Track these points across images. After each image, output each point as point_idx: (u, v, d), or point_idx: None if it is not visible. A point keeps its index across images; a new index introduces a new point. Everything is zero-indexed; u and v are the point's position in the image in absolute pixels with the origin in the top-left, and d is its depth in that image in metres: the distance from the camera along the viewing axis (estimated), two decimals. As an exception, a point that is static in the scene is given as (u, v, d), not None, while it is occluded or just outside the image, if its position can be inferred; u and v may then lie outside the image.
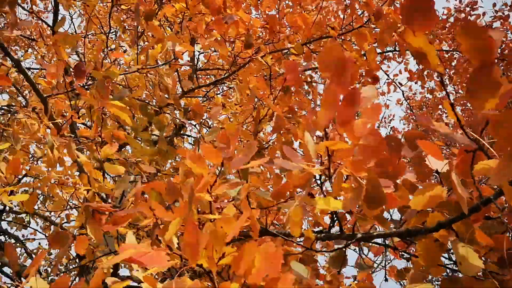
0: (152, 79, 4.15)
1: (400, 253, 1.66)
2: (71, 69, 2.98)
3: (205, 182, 1.30)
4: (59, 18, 3.56)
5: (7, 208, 3.24)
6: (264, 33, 3.88)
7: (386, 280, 1.96)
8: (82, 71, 2.03)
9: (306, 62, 3.71)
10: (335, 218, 1.70)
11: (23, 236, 5.32)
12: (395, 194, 1.46)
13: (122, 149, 3.73)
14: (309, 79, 5.99)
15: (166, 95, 3.58)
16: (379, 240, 1.91)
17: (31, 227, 3.77)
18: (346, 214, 1.81)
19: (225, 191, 1.33)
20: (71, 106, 2.42)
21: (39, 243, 5.44)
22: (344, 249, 1.84)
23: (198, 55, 5.83)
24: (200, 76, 6.52)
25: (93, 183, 2.19)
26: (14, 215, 3.74)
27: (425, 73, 6.20)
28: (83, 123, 3.82)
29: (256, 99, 2.50)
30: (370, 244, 2.00)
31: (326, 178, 1.40)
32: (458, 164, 1.16)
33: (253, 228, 1.17)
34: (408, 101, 6.80)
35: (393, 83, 6.14)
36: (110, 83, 2.42)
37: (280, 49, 3.63)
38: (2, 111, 3.73)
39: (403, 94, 6.58)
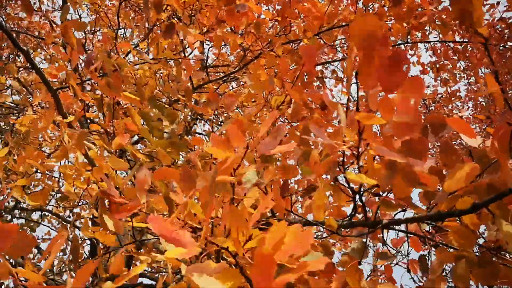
0: (162, 76, 4.11)
1: (427, 241, 1.58)
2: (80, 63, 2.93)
3: (229, 164, 1.23)
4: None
5: (20, 205, 3.21)
6: (274, 26, 3.82)
7: (408, 271, 1.88)
8: (92, 61, 1.98)
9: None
10: (358, 205, 1.62)
11: (37, 237, 5.30)
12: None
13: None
14: (319, 75, 5.92)
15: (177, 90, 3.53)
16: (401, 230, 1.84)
17: (45, 225, 3.74)
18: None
19: (249, 175, 1.26)
20: (80, 100, 2.37)
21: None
22: (367, 238, 1.77)
23: (208, 51, 5.78)
24: (211, 73, 6.47)
25: (104, 177, 2.14)
26: (25, 213, 3.71)
27: (437, 65, 6.09)
28: (89, 119, 3.76)
29: (264, 93, 2.43)
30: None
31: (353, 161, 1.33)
32: (495, 140, 1.08)
33: (278, 209, 1.10)
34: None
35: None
36: (121, 76, 2.36)
37: (292, 40, 3.56)
38: (12, 109, 3.71)
39: (425, 121, 6.45)
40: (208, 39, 2.68)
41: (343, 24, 3.48)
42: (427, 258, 1.74)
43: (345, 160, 1.38)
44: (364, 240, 1.81)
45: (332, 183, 1.50)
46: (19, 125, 2.85)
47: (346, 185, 1.56)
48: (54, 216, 3.60)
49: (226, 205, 1.02)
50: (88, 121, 3.24)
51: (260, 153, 1.14)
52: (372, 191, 1.45)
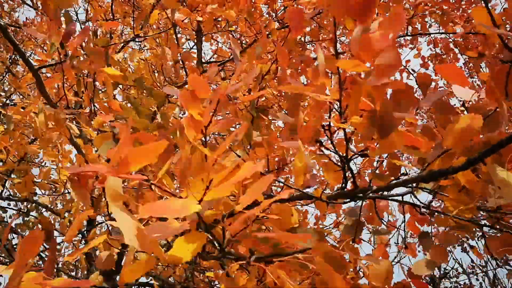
0: (155, 68, 4.02)
1: (422, 209, 1.46)
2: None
3: (197, 121, 1.13)
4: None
5: (4, 194, 3.12)
6: (268, 10, 3.73)
7: (405, 247, 1.76)
8: (71, 33, 1.88)
9: (311, 38, 3.53)
10: (347, 176, 1.52)
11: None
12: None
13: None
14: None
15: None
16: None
17: (33, 215, 3.65)
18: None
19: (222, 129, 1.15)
20: (63, 78, 2.27)
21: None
22: (360, 211, 1.65)
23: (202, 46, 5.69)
24: (207, 69, 6.38)
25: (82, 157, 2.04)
26: (13, 203, 3.63)
27: (438, 60, 5.97)
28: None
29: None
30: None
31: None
32: (491, 80, 0.98)
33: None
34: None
35: (406, 70, 5.92)
36: (106, 55, 2.27)
37: (287, 25, 3.47)
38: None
39: (416, 82, 6.35)
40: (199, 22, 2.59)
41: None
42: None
43: (331, 116, 1.27)
44: (357, 214, 1.70)
45: (317, 147, 1.39)
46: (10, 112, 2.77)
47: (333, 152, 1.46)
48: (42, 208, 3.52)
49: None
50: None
51: (227, 93, 1.04)
52: (360, 153, 1.34)
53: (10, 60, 3.56)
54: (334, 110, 1.25)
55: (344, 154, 1.34)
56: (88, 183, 1.66)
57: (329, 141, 1.35)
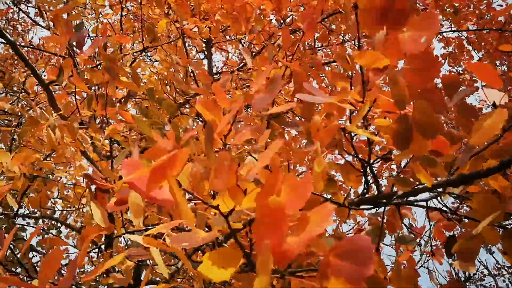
0: (168, 81, 4.00)
1: (449, 215, 1.40)
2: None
3: (220, 129, 1.09)
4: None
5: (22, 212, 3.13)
6: (276, 18, 3.70)
7: (433, 254, 1.70)
8: (84, 41, 1.85)
9: (321, 43, 3.48)
10: (369, 181, 1.46)
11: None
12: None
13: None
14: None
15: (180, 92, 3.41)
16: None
17: (52, 233, 3.64)
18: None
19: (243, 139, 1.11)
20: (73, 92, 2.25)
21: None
22: (383, 218, 1.59)
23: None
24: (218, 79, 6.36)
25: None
26: (32, 221, 3.61)
27: (451, 59, 5.87)
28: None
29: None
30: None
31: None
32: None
33: (274, 168, 0.94)
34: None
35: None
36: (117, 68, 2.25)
37: (295, 30, 3.43)
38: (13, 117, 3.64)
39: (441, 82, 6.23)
40: (207, 25, 2.57)
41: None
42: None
43: (350, 123, 1.22)
44: (379, 221, 1.64)
45: (336, 152, 1.34)
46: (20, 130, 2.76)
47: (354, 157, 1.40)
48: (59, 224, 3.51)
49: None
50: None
51: (255, 110, 0.99)
52: (383, 157, 1.29)
53: (24, 81, 3.58)
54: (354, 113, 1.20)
55: (366, 157, 1.28)
56: (104, 199, 1.63)
57: (349, 145, 1.30)
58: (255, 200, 0.79)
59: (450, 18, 5.07)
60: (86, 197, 2.41)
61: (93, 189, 1.64)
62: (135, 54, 3.81)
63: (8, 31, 5.91)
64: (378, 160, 1.32)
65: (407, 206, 1.59)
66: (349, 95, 0.95)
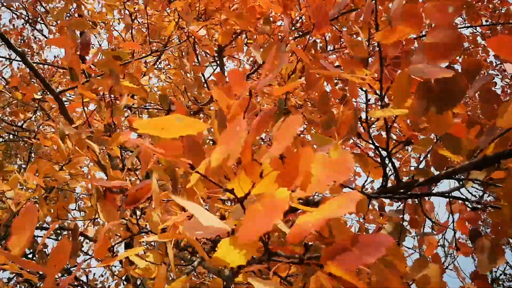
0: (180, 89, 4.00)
1: (473, 204, 1.33)
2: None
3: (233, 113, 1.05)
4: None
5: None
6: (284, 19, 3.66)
7: (457, 249, 1.62)
8: (88, 43, 1.84)
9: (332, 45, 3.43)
10: (388, 172, 1.40)
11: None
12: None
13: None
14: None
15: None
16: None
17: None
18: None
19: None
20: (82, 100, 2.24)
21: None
22: (403, 212, 1.53)
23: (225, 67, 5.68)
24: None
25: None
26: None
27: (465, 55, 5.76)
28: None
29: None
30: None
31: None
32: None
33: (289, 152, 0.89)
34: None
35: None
36: (124, 72, 2.23)
37: (304, 33, 3.39)
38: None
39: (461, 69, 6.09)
40: (215, 28, 2.54)
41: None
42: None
43: (368, 109, 1.17)
44: (400, 214, 1.57)
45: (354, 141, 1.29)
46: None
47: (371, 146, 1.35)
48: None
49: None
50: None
51: (259, 88, 0.95)
52: (404, 142, 1.23)
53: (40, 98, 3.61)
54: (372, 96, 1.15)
55: (384, 146, 1.23)
56: (115, 199, 1.59)
57: (367, 134, 1.25)
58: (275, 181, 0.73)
59: (464, 13, 4.97)
60: (93, 196, 2.38)
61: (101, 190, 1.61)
62: (145, 62, 3.82)
63: (25, 50, 6.02)
64: (397, 145, 1.26)
65: (427, 199, 1.53)
66: (366, 72, 0.89)
